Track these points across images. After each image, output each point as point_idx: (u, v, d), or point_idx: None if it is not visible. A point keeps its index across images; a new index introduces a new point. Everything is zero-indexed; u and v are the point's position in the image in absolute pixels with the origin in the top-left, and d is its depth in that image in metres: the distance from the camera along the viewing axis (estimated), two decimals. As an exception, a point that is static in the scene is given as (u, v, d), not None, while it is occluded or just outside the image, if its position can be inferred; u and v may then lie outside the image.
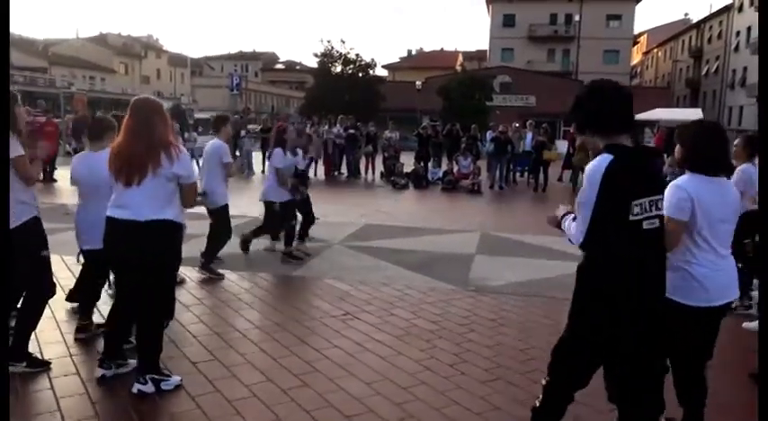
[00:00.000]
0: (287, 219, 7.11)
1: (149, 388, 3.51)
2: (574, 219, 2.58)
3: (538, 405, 2.86)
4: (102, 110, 28.07)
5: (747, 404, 3.39)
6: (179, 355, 4.17)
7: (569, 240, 2.63)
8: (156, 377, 3.56)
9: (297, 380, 3.81)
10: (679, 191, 2.84)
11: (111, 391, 3.59)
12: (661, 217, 2.57)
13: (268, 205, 7.17)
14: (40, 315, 3.90)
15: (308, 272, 6.62)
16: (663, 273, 2.62)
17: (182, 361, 4.08)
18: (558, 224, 2.75)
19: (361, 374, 3.95)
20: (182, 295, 5.62)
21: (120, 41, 69.07)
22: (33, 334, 3.90)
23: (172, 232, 3.53)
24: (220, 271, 6.35)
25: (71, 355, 4.09)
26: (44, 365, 3.84)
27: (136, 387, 3.50)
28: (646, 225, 2.47)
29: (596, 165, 2.43)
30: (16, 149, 3.46)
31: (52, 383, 3.67)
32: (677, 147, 3.05)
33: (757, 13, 40.21)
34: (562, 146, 20.35)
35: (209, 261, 6.35)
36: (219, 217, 6.47)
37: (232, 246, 7.03)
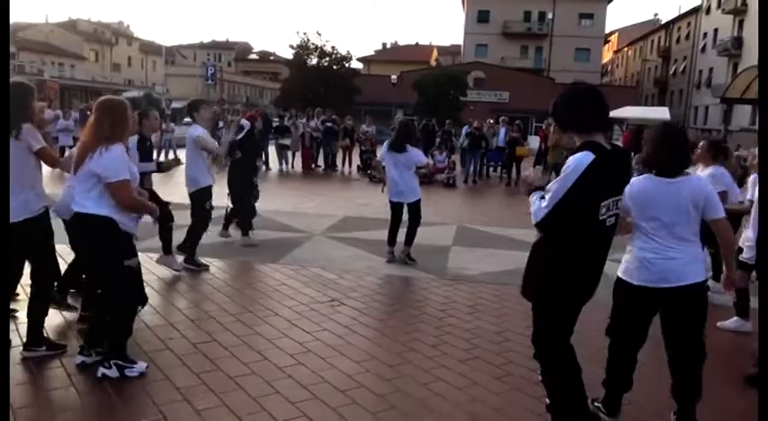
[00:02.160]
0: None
1: (113, 372, 3.64)
2: (542, 198, 2.86)
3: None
4: (74, 99, 27.82)
5: (743, 408, 3.68)
6: (178, 337, 4.45)
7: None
8: (120, 363, 3.68)
9: (292, 360, 4.12)
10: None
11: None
12: (617, 215, 2.96)
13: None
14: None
15: (293, 260, 6.90)
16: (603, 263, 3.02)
17: (181, 341, 4.36)
18: (529, 192, 3.01)
19: (351, 354, 4.28)
20: (174, 282, 5.89)
21: (91, 28, 67.93)
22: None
23: (99, 227, 3.58)
24: (204, 260, 6.51)
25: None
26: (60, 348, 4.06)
27: (100, 371, 3.65)
28: (608, 222, 2.87)
29: (579, 160, 2.71)
30: (38, 141, 3.70)
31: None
32: (644, 148, 3.36)
33: (727, 16, 41.43)
34: (534, 142, 20.89)
35: (191, 254, 6.42)
36: (199, 201, 6.41)
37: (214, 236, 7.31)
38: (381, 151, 7.26)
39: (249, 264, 6.67)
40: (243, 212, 7.74)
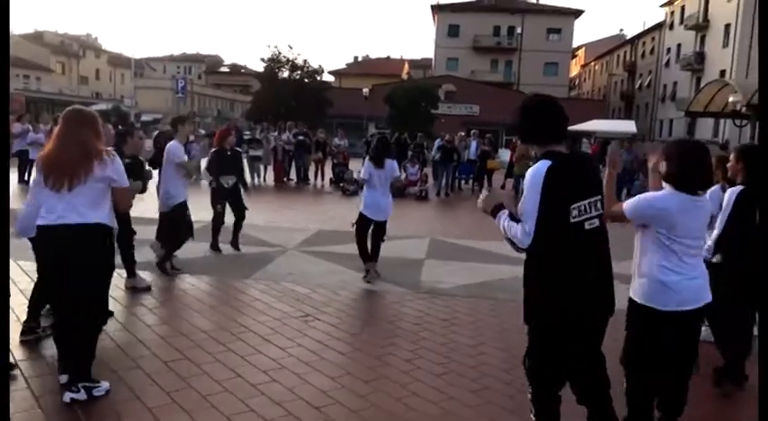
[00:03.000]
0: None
1: (82, 395, 3.53)
2: (512, 218, 2.82)
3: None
4: (44, 112, 27.30)
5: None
6: (149, 355, 4.36)
7: (508, 241, 2.84)
8: (87, 384, 3.58)
9: (266, 376, 4.07)
10: (657, 202, 3.04)
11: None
12: (601, 216, 2.84)
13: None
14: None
15: (266, 275, 6.84)
16: (604, 277, 2.85)
17: (153, 360, 4.27)
18: (490, 211, 2.94)
19: (326, 370, 4.24)
20: (144, 298, 5.78)
21: (57, 39, 66.93)
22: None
23: (101, 235, 3.62)
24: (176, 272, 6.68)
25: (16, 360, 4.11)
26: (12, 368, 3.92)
27: (68, 396, 3.51)
28: (587, 226, 2.75)
29: (537, 170, 2.72)
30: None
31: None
32: (661, 163, 3.12)
33: (689, 31, 42.57)
34: (504, 155, 21.17)
35: (163, 259, 6.63)
36: (175, 217, 6.62)
37: (189, 251, 7.22)
38: (365, 167, 6.93)
39: (221, 280, 6.58)
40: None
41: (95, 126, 3.73)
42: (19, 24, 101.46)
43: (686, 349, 3.13)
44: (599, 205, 2.83)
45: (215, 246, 7.96)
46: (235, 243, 8.12)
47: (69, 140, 3.60)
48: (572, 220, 2.72)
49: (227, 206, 8.17)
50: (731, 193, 4.00)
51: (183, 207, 6.69)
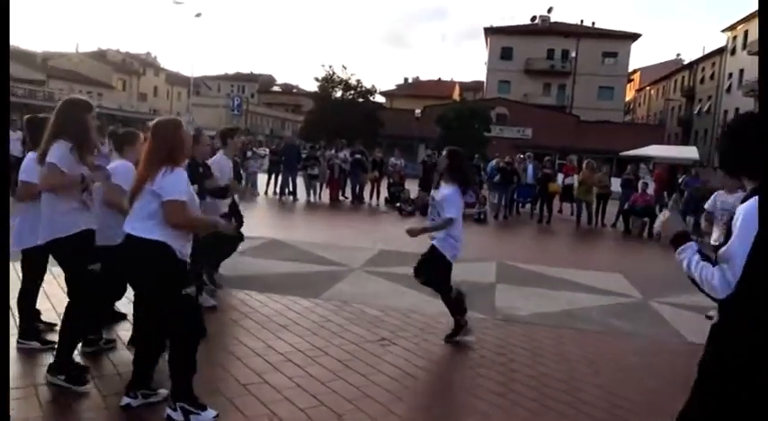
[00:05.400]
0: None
1: (178, 415, 3.35)
2: (703, 258, 2.26)
3: None
4: (112, 126, 28.05)
5: None
6: (227, 377, 4.17)
7: (699, 286, 2.24)
8: (187, 407, 3.37)
9: (350, 405, 3.82)
10: None
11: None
12: None
13: None
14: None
15: (335, 295, 6.63)
16: None
17: (231, 382, 4.08)
18: (672, 239, 2.38)
19: (411, 400, 3.97)
20: (217, 316, 5.62)
21: (119, 58, 69.36)
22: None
23: (157, 253, 3.31)
24: (243, 293, 6.38)
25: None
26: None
27: (166, 412, 3.39)
28: None
29: (752, 208, 2.14)
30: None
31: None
32: None
33: (752, 57, 41.24)
34: (559, 179, 20.62)
35: (210, 272, 6.33)
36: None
37: (251, 267, 7.08)
38: (455, 199, 5.20)
39: (290, 299, 6.38)
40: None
41: (169, 137, 3.50)
42: (84, 43, 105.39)
43: None
44: None
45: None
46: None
47: (145, 155, 3.51)
48: None
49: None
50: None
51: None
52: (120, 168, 4.31)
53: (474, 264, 8.98)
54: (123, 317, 5.07)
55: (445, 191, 5.19)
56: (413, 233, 5.34)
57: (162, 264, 3.31)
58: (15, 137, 13.99)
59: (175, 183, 3.30)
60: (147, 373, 3.59)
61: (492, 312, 6.39)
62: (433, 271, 5.28)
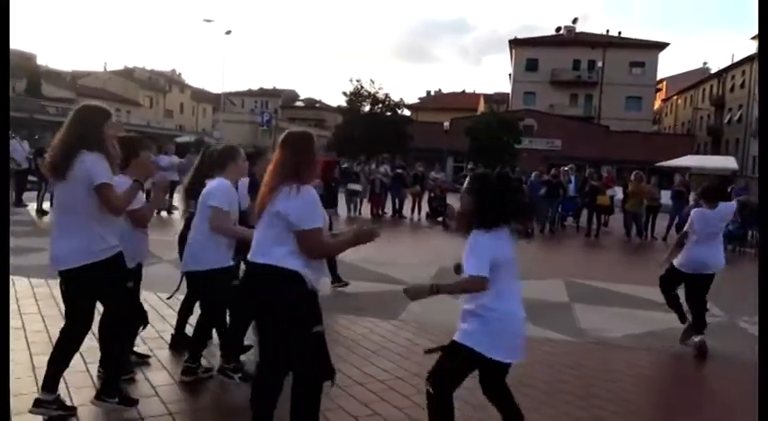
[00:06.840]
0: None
1: None
2: None
3: None
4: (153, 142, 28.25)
5: None
6: (335, 407, 3.94)
7: None
8: None
9: (474, 439, 3.57)
10: None
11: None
12: None
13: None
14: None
15: (412, 317, 6.39)
16: None
17: (339, 413, 3.86)
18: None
19: (537, 435, 3.71)
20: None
21: (146, 75, 70.40)
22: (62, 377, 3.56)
23: (282, 281, 2.95)
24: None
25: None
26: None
27: None
28: None
29: None
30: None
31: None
32: None
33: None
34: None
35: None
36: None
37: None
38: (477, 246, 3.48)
39: (369, 321, 6.16)
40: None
41: (297, 151, 3.20)
42: (112, 61, 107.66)
43: None
44: None
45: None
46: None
47: (272, 169, 3.20)
48: None
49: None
50: None
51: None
52: (124, 184, 3.64)
53: (540, 281, 8.73)
54: (248, 348, 4.79)
55: (471, 239, 3.18)
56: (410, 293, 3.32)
57: (294, 297, 2.98)
58: (24, 149, 13.90)
59: (307, 207, 2.98)
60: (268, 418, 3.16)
61: (580, 334, 6.10)
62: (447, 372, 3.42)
